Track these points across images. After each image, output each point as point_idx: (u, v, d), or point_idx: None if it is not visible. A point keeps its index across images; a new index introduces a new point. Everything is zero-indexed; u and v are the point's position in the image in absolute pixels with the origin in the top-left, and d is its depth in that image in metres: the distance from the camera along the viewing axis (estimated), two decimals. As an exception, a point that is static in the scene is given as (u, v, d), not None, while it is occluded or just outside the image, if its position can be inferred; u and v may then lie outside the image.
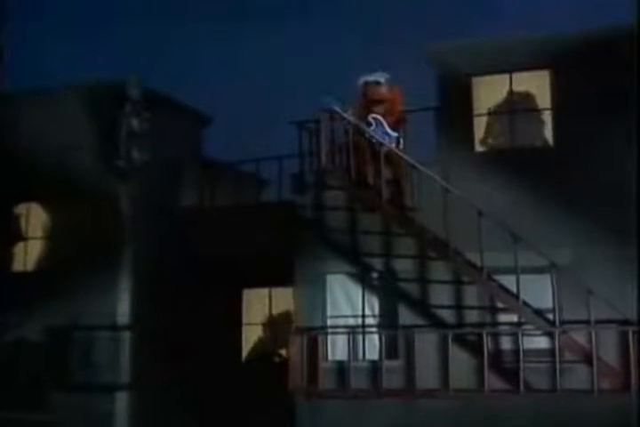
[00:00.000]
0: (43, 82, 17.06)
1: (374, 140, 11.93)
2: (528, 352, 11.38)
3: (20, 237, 15.86)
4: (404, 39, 27.59)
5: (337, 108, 11.86)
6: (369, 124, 12.08)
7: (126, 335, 14.58)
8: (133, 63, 30.03)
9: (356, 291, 12.95)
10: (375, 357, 12.32)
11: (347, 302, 12.96)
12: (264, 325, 15.88)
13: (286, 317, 15.02)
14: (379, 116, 12.11)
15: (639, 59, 11.51)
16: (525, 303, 11.25)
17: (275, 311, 15.69)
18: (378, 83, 12.13)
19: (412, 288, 12.59)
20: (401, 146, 12.23)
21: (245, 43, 38.24)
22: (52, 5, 36.50)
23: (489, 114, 13.07)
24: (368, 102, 12.13)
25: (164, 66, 32.44)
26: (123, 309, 14.62)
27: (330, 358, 12.70)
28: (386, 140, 11.94)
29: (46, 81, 19.35)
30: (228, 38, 40.53)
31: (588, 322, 11.06)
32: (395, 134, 12.20)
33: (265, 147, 17.58)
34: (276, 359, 15.52)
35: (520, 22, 24.94)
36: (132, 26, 37.26)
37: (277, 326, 15.48)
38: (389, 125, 12.12)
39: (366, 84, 12.14)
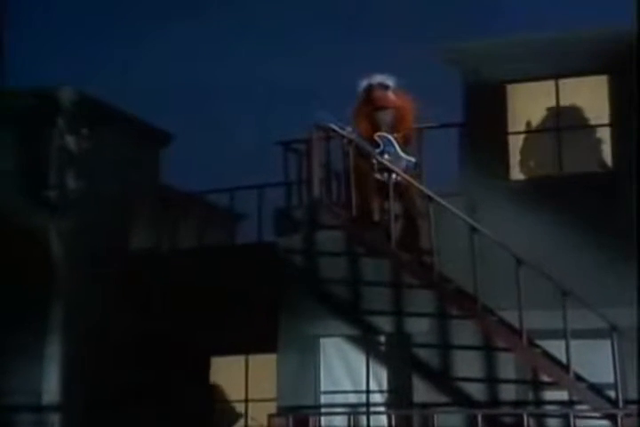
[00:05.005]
0: (43, 82, 17.21)
1: (381, 166, 11.94)
2: (582, 439, 11.31)
3: None
4: (409, 38, 28.19)
5: (333, 125, 11.90)
6: (375, 145, 12.12)
7: (54, 419, 14.44)
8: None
9: (359, 359, 12.92)
10: (384, 444, 12.30)
11: (346, 373, 12.96)
12: (238, 402, 15.66)
13: (267, 392, 14.56)
14: (388, 135, 12.17)
15: (639, 59, 11.53)
16: (578, 377, 11.10)
17: (252, 385, 15.46)
18: (385, 86, 12.25)
19: (431, 356, 12.55)
20: (415, 172, 12.24)
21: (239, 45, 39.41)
22: (54, 5, 38.66)
23: (529, 131, 13.15)
24: (372, 111, 12.26)
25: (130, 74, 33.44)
26: (50, 384, 14.52)
27: (325, 445, 12.69)
28: (396, 165, 11.94)
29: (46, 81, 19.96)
30: (219, 41, 42.01)
31: (660, 402, 10.96)
32: (410, 159, 12.24)
33: (241, 173, 17.74)
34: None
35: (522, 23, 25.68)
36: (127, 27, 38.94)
37: (255, 404, 15.22)
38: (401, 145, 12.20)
39: (370, 87, 12.25)
